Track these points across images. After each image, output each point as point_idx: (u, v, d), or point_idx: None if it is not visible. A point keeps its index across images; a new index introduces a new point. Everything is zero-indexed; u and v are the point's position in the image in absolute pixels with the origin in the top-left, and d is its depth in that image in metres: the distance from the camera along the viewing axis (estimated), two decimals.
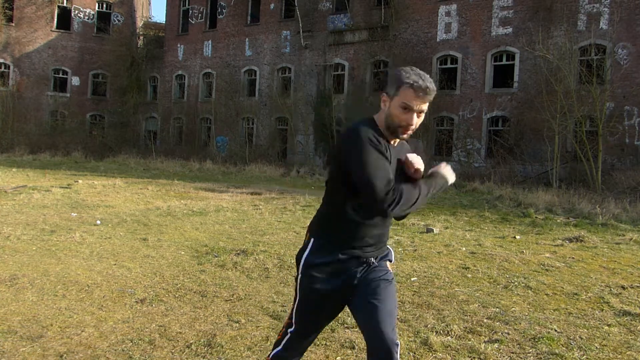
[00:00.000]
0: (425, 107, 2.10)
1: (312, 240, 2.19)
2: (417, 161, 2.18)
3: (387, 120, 2.12)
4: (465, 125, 19.79)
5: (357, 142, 2.01)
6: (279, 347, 2.30)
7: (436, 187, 2.18)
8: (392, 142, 2.18)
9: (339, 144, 2.11)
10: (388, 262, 2.31)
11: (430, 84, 2.06)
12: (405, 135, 2.14)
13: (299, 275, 2.20)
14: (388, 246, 2.33)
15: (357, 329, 3.63)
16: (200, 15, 29.56)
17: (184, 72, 30.06)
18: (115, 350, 3.20)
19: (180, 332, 3.51)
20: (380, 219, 2.16)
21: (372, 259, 2.19)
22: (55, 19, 31.16)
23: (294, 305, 2.25)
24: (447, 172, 2.23)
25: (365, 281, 2.18)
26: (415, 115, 2.08)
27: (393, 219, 2.27)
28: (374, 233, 2.17)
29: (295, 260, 2.30)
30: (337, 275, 2.15)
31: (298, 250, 2.26)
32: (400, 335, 3.52)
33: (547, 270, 5.58)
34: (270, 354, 2.34)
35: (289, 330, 2.28)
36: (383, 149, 2.03)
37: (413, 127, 2.11)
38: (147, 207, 9.64)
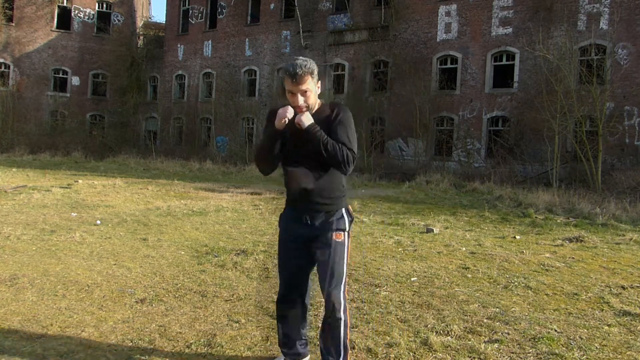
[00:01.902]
0: (304, 87, 2.53)
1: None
2: (303, 120, 2.57)
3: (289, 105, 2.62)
4: (465, 125, 19.79)
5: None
6: None
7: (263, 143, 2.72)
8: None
9: None
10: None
11: (299, 69, 2.48)
12: (300, 113, 2.57)
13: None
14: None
15: (357, 329, 3.63)
16: (200, 15, 29.57)
17: (184, 72, 30.06)
18: (115, 350, 3.20)
19: (180, 332, 3.51)
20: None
21: (306, 217, 2.71)
22: (55, 19, 31.16)
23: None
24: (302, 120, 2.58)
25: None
26: (299, 96, 2.54)
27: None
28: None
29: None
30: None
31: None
32: (400, 335, 3.52)
33: (547, 270, 5.58)
34: None
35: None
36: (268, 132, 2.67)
37: (303, 104, 2.56)
38: (147, 207, 9.64)
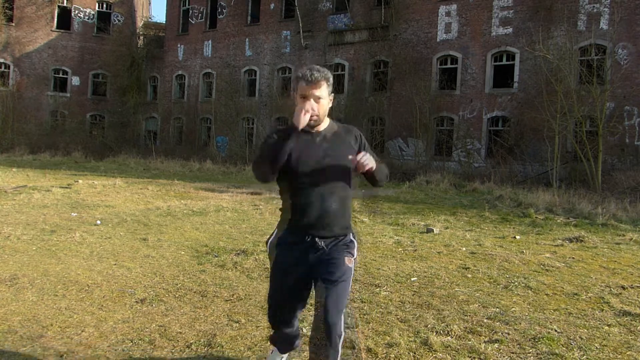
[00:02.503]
0: (319, 92, 2.43)
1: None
2: (368, 164, 2.42)
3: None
4: (465, 125, 19.79)
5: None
6: None
7: (270, 147, 2.46)
8: (314, 131, 2.52)
9: None
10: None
11: (316, 72, 2.42)
12: (311, 122, 2.44)
13: None
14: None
15: (357, 329, 3.63)
16: (200, 15, 29.57)
17: (184, 72, 30.06)
18: (115, 350, 3.20)
19: (180, 332, 3.50)
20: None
21: (320, 241, 2.53)
22: (56, 19, 31.16)
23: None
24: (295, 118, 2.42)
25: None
26: (310, 102, 2.42)
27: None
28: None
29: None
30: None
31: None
32: (400, 335, 3.52)
33: (547, 270, 5.58)
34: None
35: None
36: (275, 140, 2.42)
37: (314, 112, 2.42)
38: (147, 207, 9.64)
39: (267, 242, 2.72)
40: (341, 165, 2.50)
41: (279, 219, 2.68)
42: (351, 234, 2.61)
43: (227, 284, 4.68)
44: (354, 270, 2.60)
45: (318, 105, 2.44)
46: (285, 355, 2.91)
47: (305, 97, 2.42)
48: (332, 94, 2.54)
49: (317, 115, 2.44)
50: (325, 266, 2.48)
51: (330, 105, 2.53)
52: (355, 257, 2.59)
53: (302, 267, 2.52)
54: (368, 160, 2.40)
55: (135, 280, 4.70)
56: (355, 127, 2.69)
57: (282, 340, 2.79)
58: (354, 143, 2.58)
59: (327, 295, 2.41)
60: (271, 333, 2.86)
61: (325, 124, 2.56)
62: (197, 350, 3.23)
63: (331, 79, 2.49)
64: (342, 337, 2.47)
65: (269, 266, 3.00)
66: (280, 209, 2.66)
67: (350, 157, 2.47)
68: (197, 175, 18.99)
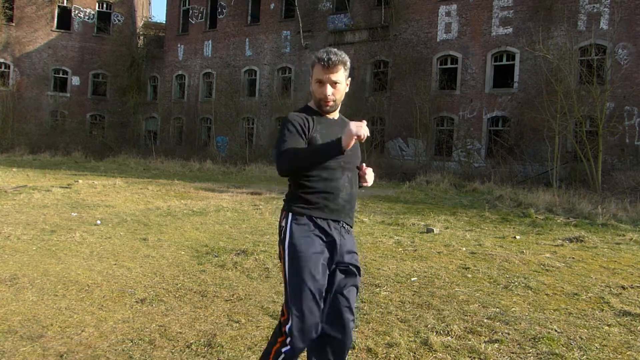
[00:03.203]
0: (335, 77, 2.31)
1: None
2: (370, 178, 2.45)
3: (313, 98, 2.39)
4: (466, 125, 19.79)
5: (282, 125, 2.33)
6: None
7: (323, 152, 2.26)
8: (330, 116, 2.42)
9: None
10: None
11: (333, 55, 2.28)
12: (327, 107, 2.36)
13: None
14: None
15: (357, 329, 3.63)
16: (200, 15, 29.57)
17: (184, 72, 30.07)
18: (115, 350, 3.20)
19: (180, 332, 3.50)
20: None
21: (347, 226, 2.39)
22: (56, 19, 31.17)
23: None
24: (348, 135, 2.24)
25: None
26: (328, 86, 2.31)
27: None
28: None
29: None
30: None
31: None
32: (400, 335, 3.52)
33: (547, 270, 5.58)
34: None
35: None
36: (299, 128, 2.28)
37: (331, 97, 2.33)
38: (147, 207, 9.64)
39: (281, 232, 2.36)
40: (356, 153, 2.43)
41: (288, 207, 2.41)
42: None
43: (227, 284, 4.68)
44: None
45: (335, 90, 2.34)
46: None
47: (321, 82, 2.31)
48: (349, 78, 2.44)
49: (333, 101, 2.35)
50: (349, 256, 2.37)
51: (347, 90, 2.43)
52: None
53: (327, 251, 2.30)
54: (371, 177, 2.44)
55: (135, 280, 4.70)
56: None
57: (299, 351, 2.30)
58: None
59: (349, 289, 2.34)
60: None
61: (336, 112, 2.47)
62: (197, 350, 3.23)
63: (349, 62, 2.37)
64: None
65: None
66: (292, 193, 2.38)
67: (364, 165, 2.45)
68: (197, 175, 18.99)
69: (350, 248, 2.38)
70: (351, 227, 2.43)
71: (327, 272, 2.31)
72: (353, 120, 2.25)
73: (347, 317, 2.32)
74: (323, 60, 2.28)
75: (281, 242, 2.33)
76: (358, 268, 2.40)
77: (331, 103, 2.35)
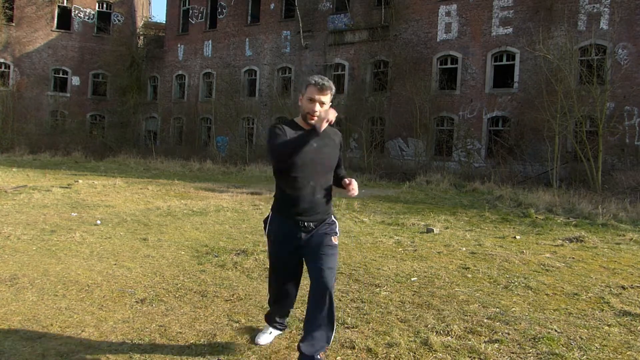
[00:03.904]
0: (324, 98, 2.88)
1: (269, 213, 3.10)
2: (355, 191, 2.97)
3: (301, 112, 2.96)
4: (466, 125, 19.79)
5: (269, 131, 2.94)
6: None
7: (297, 142, 2.81)
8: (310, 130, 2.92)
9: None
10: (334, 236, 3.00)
11: (326, 82, 2.88)
12: (312, 120, 2.87)
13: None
14: (333, 218, 3.07)
15: (357, 329, 3.63)
16: (200, 15, 29.57)
17: (184, 72, 30.07)
18: (115, 350, 3.20)
19: (180, 332, 3.51)
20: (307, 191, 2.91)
21: (310, 224, 2.94)
22: (56, 19, 31.17)
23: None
24: (318, 121, 2.87)
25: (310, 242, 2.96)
26: (317, 104, 2.88)
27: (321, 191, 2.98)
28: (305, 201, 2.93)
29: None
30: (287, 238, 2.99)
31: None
32: (400, 335, 3.53)
33: (547, 270, 5.58)
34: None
35: None
36: (283, 131, 2.89)
37: (317, 113, 2.87)
38: (147, 207, 9.64)
39: (264, 222, 3.12)
40: (330, 162, 2.99)
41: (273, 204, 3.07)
42: (332, 216, 3.08)
43: (227, 284, 4.68)
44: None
45: (322, 109, 2.88)
46: (275, 332, 3.40)
47: (312, 100, 2.87)
48: (331, 103, 2.98)
49: (318, 117, 2.86)
50: (316, 244, 2.93)
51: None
52: (338, 234, 3.05)
53: (294, 241, 2.96)
54: (356, 191, 2.96)
55: (135, 280, 4.70)
56: (339, 133, 3.17)
57: (278, 312, 3.33)
58: (339, 145, 3.08)
59: (321, 262, 2.88)
60: (268, 311, 3.41)
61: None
62: (197, 350, 3.23)
63: (334, 91, 2.94)
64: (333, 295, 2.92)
65: (267, 258, 3.24)
66: (274, 196, 3.08)
67: (347, 180, 2.99)
68: (197, 175, 18.99)
69: (318, 238, 2.95)
70: (320, 221, 2.99)
71: (298, 256, 3.03)
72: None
73: (323, 281, 2.86)
74: (318, 83, 2.86)
75: (264, 229, 3.13)
76: (322, 254, 2.92)
77: (315, 117, 2.87)
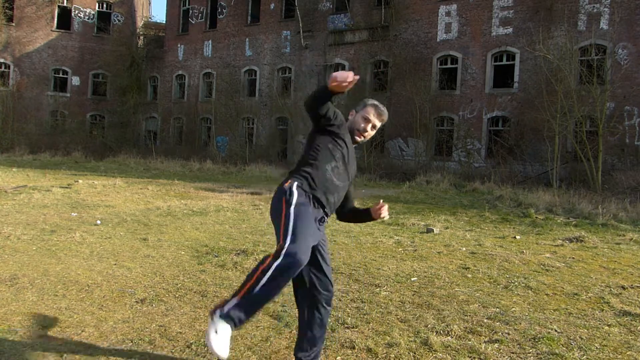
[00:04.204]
0: (378, 123, 2.92)
1: None
2: (386, 215, 2.98)
3: (349, 126, 2.91)
4: (466, 125, 19.79)
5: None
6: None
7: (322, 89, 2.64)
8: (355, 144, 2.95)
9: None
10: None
11: (386, 110, 2.95)
12: (359, 139, 2.90)
13: None
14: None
15: (357, 329, 3.63)
16: (200, 15, 29.57)
17: (184, 72, 30.07)
18: (115, 350, 3.20)
19: (180, 332, 3.50)
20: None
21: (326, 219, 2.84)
22: (56, 19, 31.18)
23: None
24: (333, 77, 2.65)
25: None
26: (370, 125, 2.90)
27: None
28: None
29: None
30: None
31: None
32: (400, 335, 3.52)
33: (547, 270, 5.58)
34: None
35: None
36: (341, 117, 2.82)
37: (367, 134, 2.91)
38: (147, 207, 9.64)
39: (285, 188, 2.67)
40: (352, 176, 2.94)
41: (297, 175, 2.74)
42: None
43: (227, 284, 4.68)
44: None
45: (371, 132, 2.93)
46: (229, 332, 2.46)
47: (367, 121, 2.89)
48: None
49: (365, 137, 2.92)
50: (324, 243, 2.89)
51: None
52: None
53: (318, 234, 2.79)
54: (387, 214, 2.97)
55: (135, 280, 4.70)
56: None
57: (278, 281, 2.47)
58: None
59: (327, 269, 2.87)
60: (239, 302, 2.44)
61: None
62: (197, 350, 3.23)
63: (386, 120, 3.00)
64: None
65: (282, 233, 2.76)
66: (303, 170, 2.72)
67: (380, 202, 2.97)
68: (197, 175, 18.99)
69: (324, 238, 2.92)
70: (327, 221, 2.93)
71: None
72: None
73: (331, 290, 2.89)
74: (379, 108, 2.91)
75: (287, 202, 2.60)
76: (327, 258, 2.92)
77: (362, 138, 2.92)
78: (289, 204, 2.61)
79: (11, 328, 3.47)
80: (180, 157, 24.55)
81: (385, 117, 2.93)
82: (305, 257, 2.47)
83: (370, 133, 2.92)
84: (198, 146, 28.07)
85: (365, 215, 3.03)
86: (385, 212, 2.95)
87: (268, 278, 2.40)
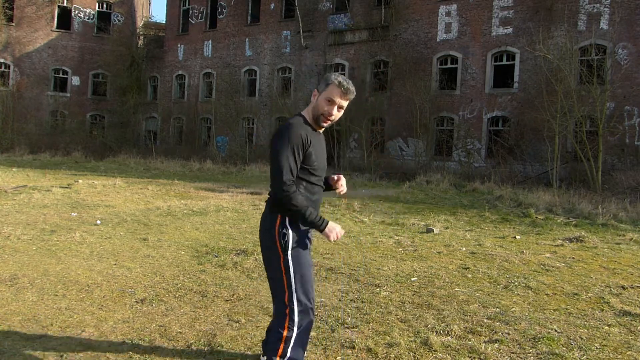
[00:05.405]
0: (344, 104, 2.61)
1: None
2: (344, 188, 2.80)
3: (313, 110, 2.61)
4: (466, 125, 19.79)
5: (287, 136, 2.51)
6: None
7: (310, 222, 2.54)
8: (317, 130, 2.68)
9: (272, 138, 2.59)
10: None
11: (352, 87, 2.58)
12: (324, 124, 2.62)
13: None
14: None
15: (357, 329, 3.63)
16: (200, 15, 29.57)
17: (184, 72, 30.07)
18: (115, 350, 3.20)
19: (180, 332, 3.51)
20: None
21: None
22: (56, 19, 31.16)
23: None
24: (329, 231, 2.59)
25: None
26: (336, 107, 2.58)
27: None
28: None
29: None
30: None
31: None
32: (400, 335, 3.52)
33: (547, 270, 5.58)
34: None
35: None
36: (302, 143, 2.51)
37: (333, 117, 2.60)
38: (147, 207, 9.64)
39: (277, 229, 2.68)
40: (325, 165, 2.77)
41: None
42: None
43: (227, 284, 4.68)
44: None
45: (338, 113, 2.62)
46: None
47: (331, 102, 2.57)
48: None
49: (332, 120, 2.63)
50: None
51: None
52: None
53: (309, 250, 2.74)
54: (344, 188, 2.80)
55: (135, 280, 4.70)
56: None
57: (306, 333, 2.67)
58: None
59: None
60: (285, 345, 2.60)
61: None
62: (197, 350, 3.23)
63: (354, 96, 2.67)
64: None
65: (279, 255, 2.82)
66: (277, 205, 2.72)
67: (335, 177, 2.79)
68: (197, 175, 18.99)
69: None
70: None
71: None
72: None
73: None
74: (343, 86, 2.54)
75: (283, 249, 2.59)
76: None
77: (329, 122, 2.62)
78: (285, 250, 2.59)
79: (11, 328, 3.47)
80: (180, 157, 24.54)
81: (352, 94, 2.58)
82: (311, 296, 2.59)
83: (337, 115, 2.61)
84: (198, 146, 28.06)
85: (329, 188, 2.88)
86: (342, 186, 2.77)
87: (294, 341, 2.59)
